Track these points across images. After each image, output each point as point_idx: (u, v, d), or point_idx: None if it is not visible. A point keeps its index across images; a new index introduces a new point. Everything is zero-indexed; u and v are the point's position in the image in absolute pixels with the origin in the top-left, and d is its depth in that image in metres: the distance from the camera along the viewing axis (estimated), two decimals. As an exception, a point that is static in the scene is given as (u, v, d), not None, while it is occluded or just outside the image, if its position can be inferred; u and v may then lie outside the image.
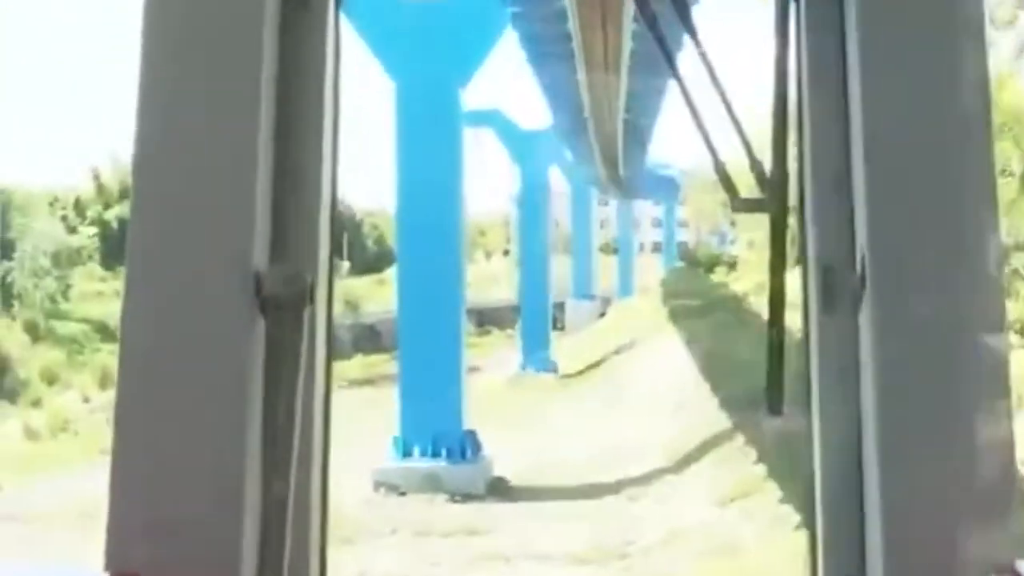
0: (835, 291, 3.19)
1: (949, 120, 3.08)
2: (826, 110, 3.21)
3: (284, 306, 3.02)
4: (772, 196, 3.18)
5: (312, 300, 3.09)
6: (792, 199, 3.27)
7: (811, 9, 3.23)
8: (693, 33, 3.23)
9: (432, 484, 26.79)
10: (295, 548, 3.09)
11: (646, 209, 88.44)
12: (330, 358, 3.33)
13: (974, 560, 2.96)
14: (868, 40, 3.10)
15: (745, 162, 3.22)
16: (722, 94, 3.23)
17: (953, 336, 3.05)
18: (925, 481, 3.02)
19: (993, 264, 3.10)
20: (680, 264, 72.51)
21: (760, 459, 24.56)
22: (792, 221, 3.28)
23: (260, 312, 3.02)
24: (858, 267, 3.13)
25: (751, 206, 3.25)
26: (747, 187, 3.25)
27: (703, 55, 3.24)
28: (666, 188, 72.90)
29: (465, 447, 28.15)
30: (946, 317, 3.05)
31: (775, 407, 3.27)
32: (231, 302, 2.99)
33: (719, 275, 55.05)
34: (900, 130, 3.09)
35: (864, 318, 3.13)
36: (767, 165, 3.20)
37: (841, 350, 3.19)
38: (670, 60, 3.34)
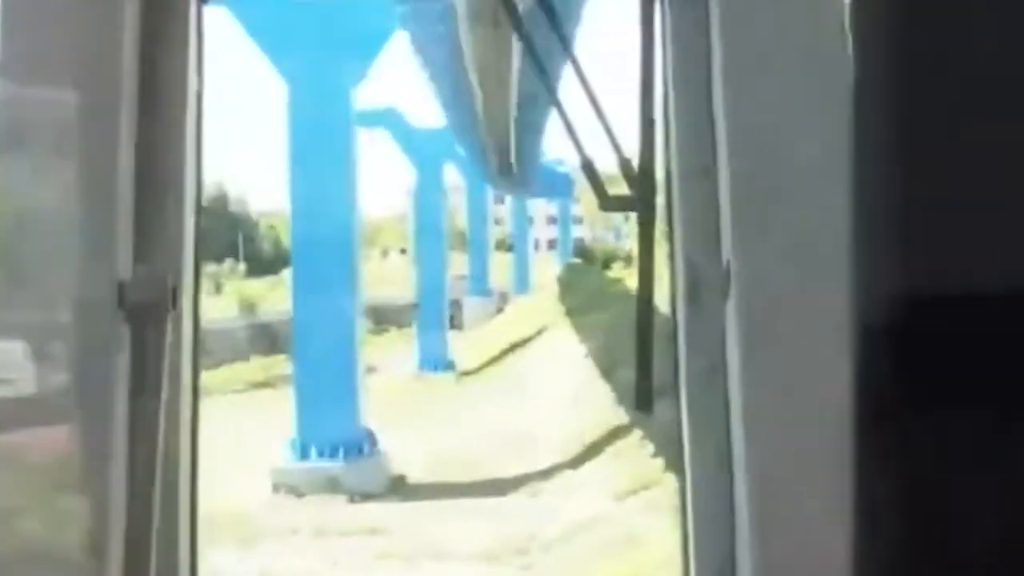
0: (701, 289, 3.19)
1: (813, 122, 3.05)
2: (692, 108, 3.20)
3: (146, 311, 2.98)
4: (640, 193, 3.18)
5: (175, 304, 3.04)
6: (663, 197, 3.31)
7: (675, 5, 3.22)
8: (563, 38, 3.27)
9: (330, 484, 26.73)
10: (163, 561, 3.06)
11: (541, 206, 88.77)
12: (196, 363, 3.28)
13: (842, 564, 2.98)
14: (732, 39, 3.09)
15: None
16: (589, 93, 3.27)
17: (819, 340, 2.99)
18: (794, 486, 3.01)
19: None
20: (576, 260, 72.86)
21: (657, 452, 24.75)
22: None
23: (124, 319, 2.96)
24: (724, 267, 3.14)
25: (619, 204, 3.25)
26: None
27: (572, 56, 3.31)
28: (561, 185, 73.17)
29: (363, 446, 28.12)
30: (811, 320, 3.01)
31: (644, 404, 3.30)
32: (93, 310, 2.94)
33: (615, 271, 55.41)
34: (765, 132, 3.07)
35: (729, 319, 3.13)
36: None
37: (708, 347, 3.18)
38: (540, 66, 3.40)
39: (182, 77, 3.16)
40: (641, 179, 3.17)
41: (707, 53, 3.17)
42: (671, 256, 3.29)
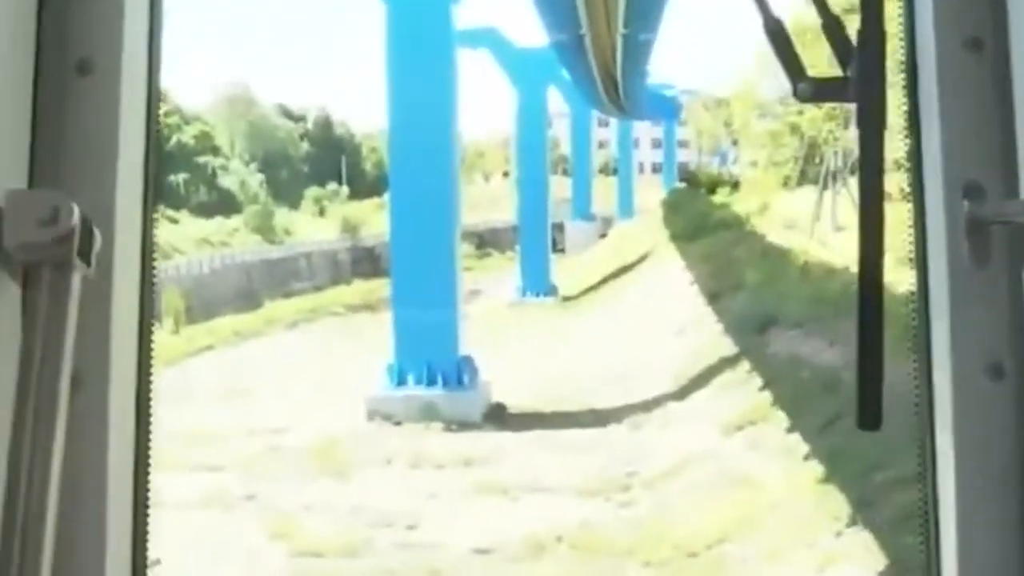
0: (988, 230, 2.00)
1: None
2: None
3: (37, 261, 1.78)
4: (862, 76, 1.97)
5: (88, 251, 1.83)
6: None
7: None
8: None
9: (428, 412, 26.07)
10: None
11: (646, 130, 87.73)
12: (146, 342, 2.18)
13: None
14: None
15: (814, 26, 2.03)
16: None
17: None
18: None
19: None
20: (681, 185, 71.68)
21: (766, 386, 23.83)
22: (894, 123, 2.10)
23: (7, 270, 1.85)
24: (1021, 204, 1.99)
25: (828, 92, 2.05)
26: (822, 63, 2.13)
27: None
28: (666, 108, 72.12)
29: (461, 374, 27.43)
30: None
31: (868, 421, 2.00)
32: None
33: (721, 196, 54.19)
34: None
35: None
36: (852, 29, 2.00)
37: (988, 335, 2.04)
38: None
39: None
40: (862, 52, 1.97)
41: None
42: (914, 184, 2.13)
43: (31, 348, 1.76)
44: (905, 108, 2.15)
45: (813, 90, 2.04)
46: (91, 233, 1.83)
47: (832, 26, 2.00)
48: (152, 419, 2.21)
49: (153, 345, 2.20)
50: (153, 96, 2.17)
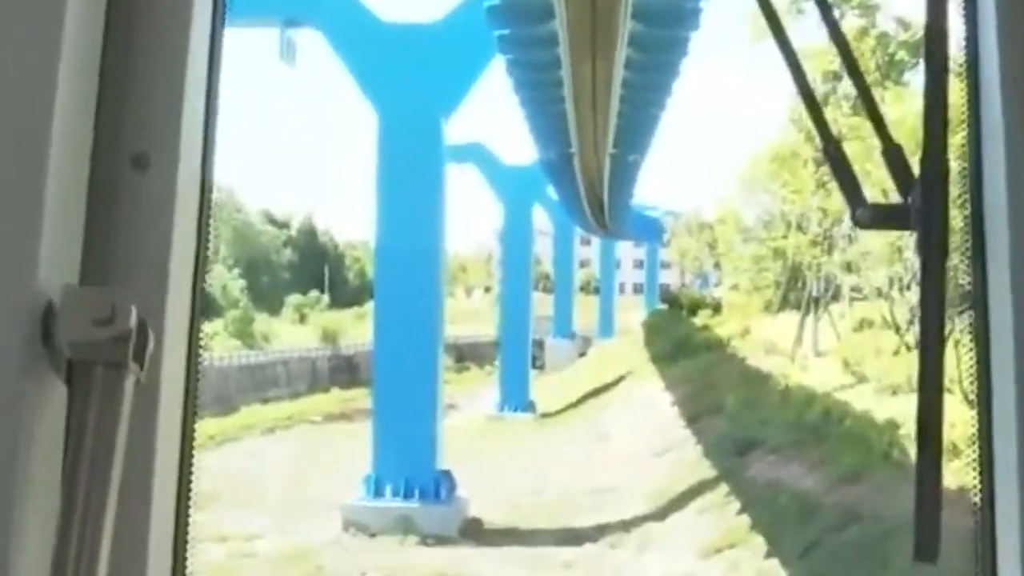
0: None
1: None
2: None
3: (90, 360, 1.73)
4: (924, 204, 1.91)
5: (142, 353, 1.76)
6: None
7: None
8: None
9: (404, 525, 25.87)
10: None
11: (628, 250, 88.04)
12: (187, 452, 2.10)
13: None
14: None
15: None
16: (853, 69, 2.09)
17: None
18: None
19: None
20: (663, 306, 71.84)
21: (744, 509, 23.71)
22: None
23: (51, 365, 1.76)
24: None
25: (887, 219, 1.99)
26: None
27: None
28: (650, 229, 72.36)
29: (439, 487, 27.26)
30: None
31: (926, 554, 1.90)
32: None
33: (702, 318, 54.27)
34: None
35: None
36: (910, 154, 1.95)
37: None
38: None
39: (180, 16, 2.00)
40: (924, 179, 1.92)
41: None
42: (977, 326, 2.06)
43: (80, 451, 1.71)
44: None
45: (872, 216, 1.98)
46: (146, 334, 1.78)
47: (893, 152, 1.96)
48: (191, 529, 2.16)
49: (194, 454, 2.15)
50: (206, 191, 2.10)
